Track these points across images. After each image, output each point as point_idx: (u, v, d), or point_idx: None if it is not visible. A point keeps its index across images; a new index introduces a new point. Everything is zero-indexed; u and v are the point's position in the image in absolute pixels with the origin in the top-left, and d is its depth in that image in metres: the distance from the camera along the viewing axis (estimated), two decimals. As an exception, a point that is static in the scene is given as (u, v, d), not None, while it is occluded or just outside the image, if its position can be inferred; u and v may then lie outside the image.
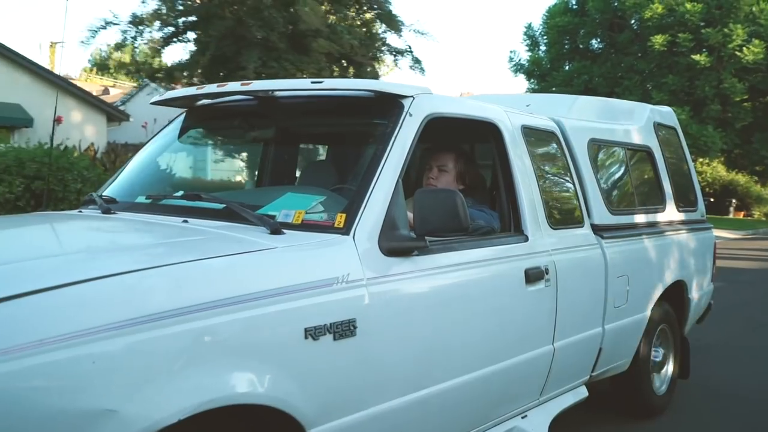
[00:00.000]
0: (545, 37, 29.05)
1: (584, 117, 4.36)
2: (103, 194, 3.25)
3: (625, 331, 4.13)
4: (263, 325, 2.08)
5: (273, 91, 3.13)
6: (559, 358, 3.49)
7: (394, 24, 18.27)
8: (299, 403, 2.15)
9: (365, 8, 18.37)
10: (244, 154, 3.95)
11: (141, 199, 3.08)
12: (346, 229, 2.52)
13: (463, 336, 2.86)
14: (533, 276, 3.25)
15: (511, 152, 3.41)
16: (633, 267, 4.18)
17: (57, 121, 18.44)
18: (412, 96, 2.94)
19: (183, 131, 3.59)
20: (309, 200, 2.78)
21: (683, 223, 5.07)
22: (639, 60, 25.96)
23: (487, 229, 3.25)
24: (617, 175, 4.53)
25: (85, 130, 20.11)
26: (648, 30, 24.81)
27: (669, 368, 4.90)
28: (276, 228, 2.47)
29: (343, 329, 2.30)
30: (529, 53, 29.47)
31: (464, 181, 3.62)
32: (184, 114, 3.63)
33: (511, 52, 42.76)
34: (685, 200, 5.22)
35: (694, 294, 5.07)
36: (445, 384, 2.76)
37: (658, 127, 5.09)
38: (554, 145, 3.85)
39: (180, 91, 3.43)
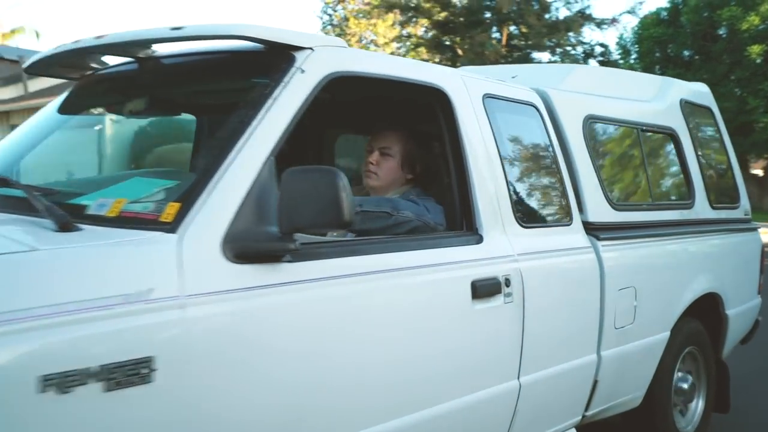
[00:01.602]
0: (636, 47, 30.23)
1: (582, 89, 3.50)
2: None
3: (632, 357, 3.25)
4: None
5: (125, 44, 2.41)
6: (530, 397, 2.65)
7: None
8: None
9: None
10: (142, 131, 3.18)
11: None
12: (173, 225, 1.77)
13: (361, 375, 2.06)
14: (484, 289, 2.43)
15: (462, 127, 2.60)
16: (643, 277, 3.30)
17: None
18: (309, 48, 2.19)
19: (65, 107, 2.89)
20: (151, 186, 2.04)
21: (719, 222, 4.15)
22: (735, 67, 26.42)
23: (418, 224, 2.46)
24: (626, 162, 3.65)
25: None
26: (743, 40, 25.68)
27: (700, 401, 3.97)
28: (65, 222, 1.74)
29: (128, 374, 1.53)
30: (622, 61, 30.57)
31: (413, 169, 2.83)
32: (71, 88, 2.94)
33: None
34: (722, 195, 4.30)
35: (733, 309, 4.13)
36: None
37: (688, 106, 4.18)
38: (533, 121, 3.02)
39: (40, 54, 2.73)
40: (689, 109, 4.20)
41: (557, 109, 3.16)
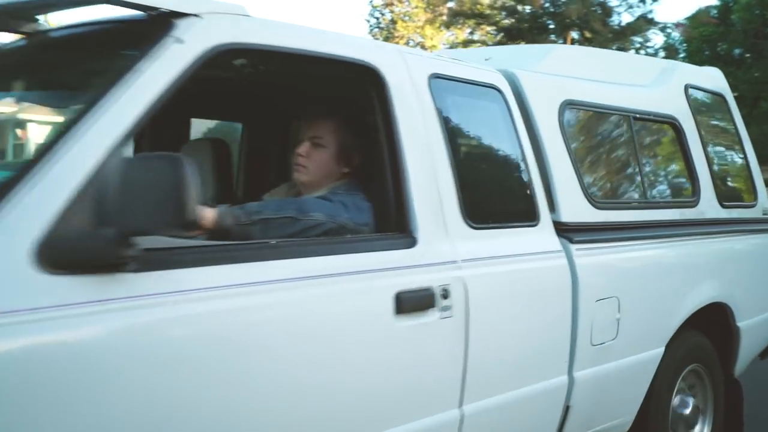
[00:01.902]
0: (684, 45, 29.61)
1: (561, 71, 3.07)
2: None
3: (614, 378, 2.82)
4: None
5: None
6: (476, 429, 2.25)
7: None
8: None
9: None
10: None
11: None
12: None
13: (232, 417, 1.68)
14: (412, 302, 2.03)
15: (397, 111, 2.21)
16: (629, 285, 2.87)
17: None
18: (195, 14, 1.82)
19: None
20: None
21: (730, 222, 3.68)
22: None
23: (331, 226, 2.07)
24: (613, 154, 3.22)
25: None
26: (797, 37, 24.92)
27: (706, 426, 3.50)
28: None
29: None
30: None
31: (350, 162, 2.44)
32: None
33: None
34: (734, 192, 3.85)
35: (746, 320, 3.65)
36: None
37: (695, 92, 3.72)
38: (495, 107, 2.61)
39: None
40: (697, 95, 3.74)
41: (527, 93, 2.75)
